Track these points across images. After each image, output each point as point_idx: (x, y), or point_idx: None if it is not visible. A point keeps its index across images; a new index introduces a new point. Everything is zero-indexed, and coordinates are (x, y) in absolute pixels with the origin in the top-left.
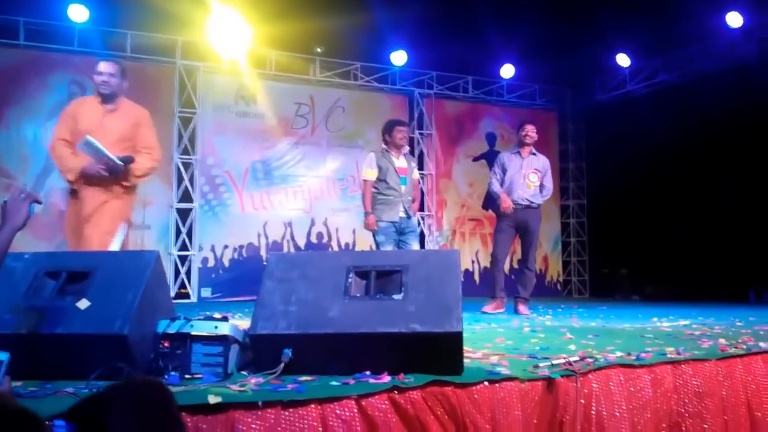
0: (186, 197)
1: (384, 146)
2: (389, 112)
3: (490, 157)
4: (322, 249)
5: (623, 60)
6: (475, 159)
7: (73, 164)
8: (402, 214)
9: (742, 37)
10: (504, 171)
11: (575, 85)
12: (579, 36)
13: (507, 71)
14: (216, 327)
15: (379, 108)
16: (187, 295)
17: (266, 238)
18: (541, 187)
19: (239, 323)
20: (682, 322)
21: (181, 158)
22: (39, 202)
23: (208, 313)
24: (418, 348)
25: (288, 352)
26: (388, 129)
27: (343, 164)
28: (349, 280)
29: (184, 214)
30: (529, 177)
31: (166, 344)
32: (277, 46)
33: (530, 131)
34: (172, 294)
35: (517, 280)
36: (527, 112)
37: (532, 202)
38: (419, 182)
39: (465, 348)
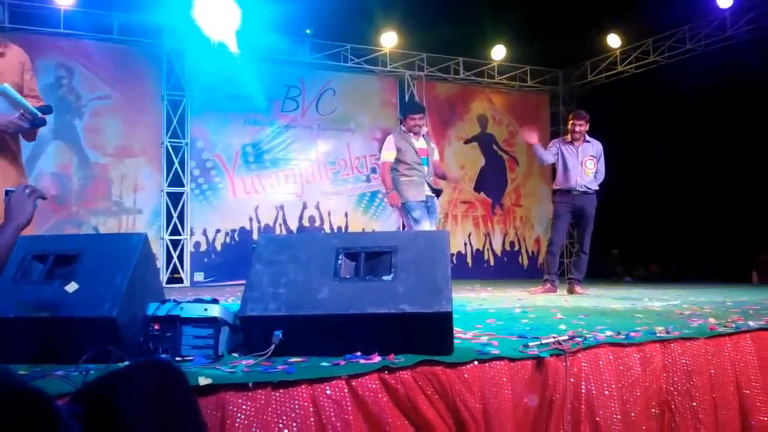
0: (176, 181)
1: (403, 127)
2: (380, 94)
3: (481, 139)
4: (315, 232)
5: (614, 41)
6: (467, 141)
7: None
8: (429, 192)
9: (731, 18)
10: (560, 156)
11: (566, 67)
12: (570, 17)
13: (498, 52)
14: (206, 309)
15: (370, 90)
16: (180, 280)
17: (258, 222)
18: (596, 172)
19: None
20: (673, 302)
21: (170, 142)
22: (44, 198)
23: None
24: (408, 328)
25: (278, 334)
26: (403, 115)
27: (334, 147)
28: (339, 261)
29: (175, 198)
30: (587, 164)
31: (156, 327)
32: (267, 28)
33: (578, 125)
34: (165, 279)
35: (573, 263)
36: (519, 93)
37: (588, 188)
38: (439, 163)
39: (455, 329)
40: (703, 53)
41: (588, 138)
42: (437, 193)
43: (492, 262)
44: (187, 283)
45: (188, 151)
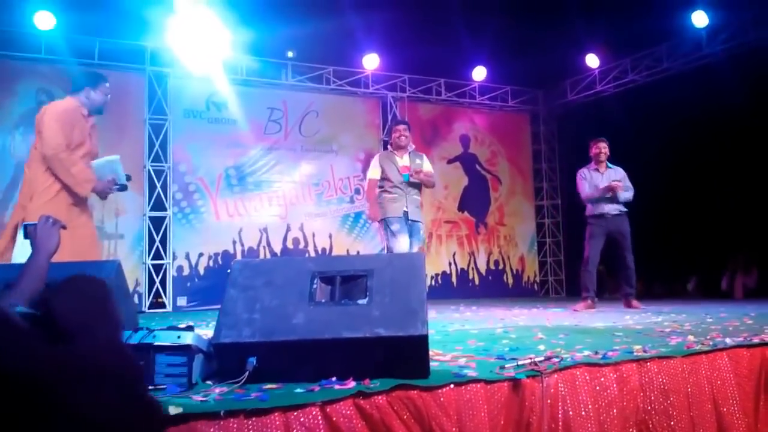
0: (159, 205)
1: (390, 147)
2: (362, 115)
3: (464, 160)
4: (299, 254)
5: (593, 61)
6: (450, 161)
7: (90, 176)
8: (406, 209)
9: (707, 37)
10: (591, 185)
11: (547, 87)
12: (549, 37)
13: (479, 73)
14: (179, 337)
15: (353, 112)
16: (162, 305)
17: (242, 245)
18: (625, 191)
19: (208, 332)
20: (654, 320)
21: (152, 166)
22: (64, 227)
23: (179, 323)
24: (383, 352)
25: (252, 361)
26: (389, 130)
27: (317, 169)
28: (314, 286)
29: (157, 222)
30: (618, 187)
31: None
32: (249, 51)
33: (603, 149)
34: (147, 304)
35: (623, 279)
36: (500, 113)
37: (620, 211)
38: (430, 175)
39: (435, 351)
40: (681, 71)
41: (610, 164)
42: (407, 216)
43: (477, 282)
44: (170, 308)
45: (171, 175)
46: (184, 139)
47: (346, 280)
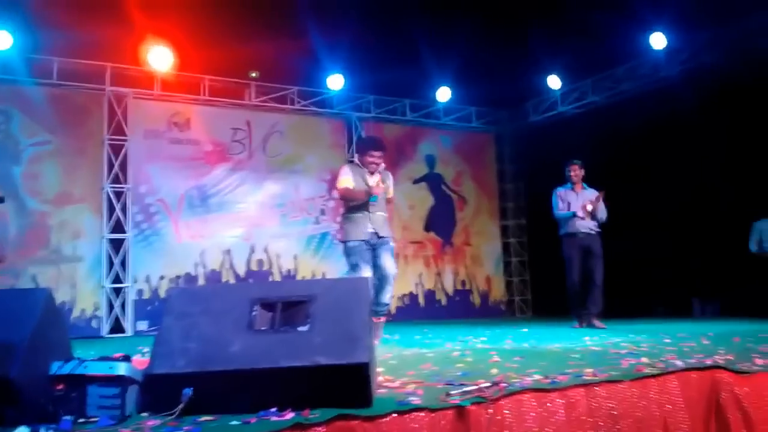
0: (118, 228)
1: (357, 162)
2: (328, 135)
3: (430, 179)
4: (263, 276)
5: (554, 82)
6: (416, 181)
7: None
8: (371, 230)
9: (665, 58)
10: (564, 204)
11: (510, 107)
12: (512, 58)
13: (443, 94)
14: (111, 367)
15: (318, 132)
16: (122, 329)
17: (204, 267)
18: (595, 215)
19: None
20: (613, 341)
21: (111, 187)
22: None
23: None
24: (323, 381)
25: (188, 392)
26: (360, 150)
27: (282, 189)
28: (254, 312)
29: (116, 245)
30: (587, 208)
31: (59, 387)
32: (211, 71)
33: (576, 170)
34: (107, 329)
35: (589, 298)
36: (465, 134)
37: (591, 229)
38: (392, 200)
39: (386, 377)
40: (638, 93)
41: (584, 185)
42: (377, 235)
43: (444, 302)
44: (130, 332)
45: (130, 196)
46: (145, 160)
47: (287, 306)
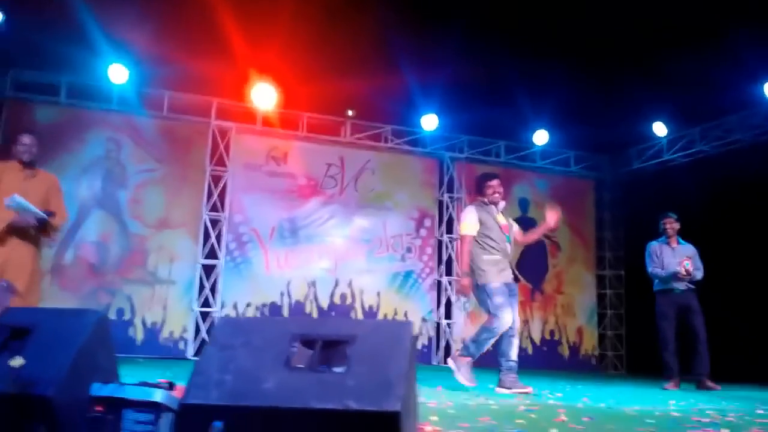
0: (212, 254)
1: (482, 199)
2: (419, 174)
3: (522, 223)
4: (345, 311)
5: (660, 129)
6: None
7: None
8: (511, 274)
9: None
10: (659, 260)
11: (612, 153)
12: (615, 103)
13: (540, 137)
14: (148, 393)
15: (409, 170)
16: None
17: (289, 297)
18: (695, 270)
19: None
20: (701, 407)
21: (209, 215)
22: (14, 293)
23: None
24: (354, 428)
25: (219, 425)
26: (479, 186)
27: (370, 225)
28: (292, 349)
29: (208, 270)
30: (684, 264)
31: (98, 409)
32: (309, 108)
33: (671, 223)
34: (192, 351)
35: (696, 359)
36: (562, 178)
37: (688, 286)
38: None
39: (434, 427)
40: (751, 144)
41: (680, 240)
42: (516, 279)
43: (530, 351)
44: None
45: (226, 225)
46: (242, 191)
47: (327, 345)
